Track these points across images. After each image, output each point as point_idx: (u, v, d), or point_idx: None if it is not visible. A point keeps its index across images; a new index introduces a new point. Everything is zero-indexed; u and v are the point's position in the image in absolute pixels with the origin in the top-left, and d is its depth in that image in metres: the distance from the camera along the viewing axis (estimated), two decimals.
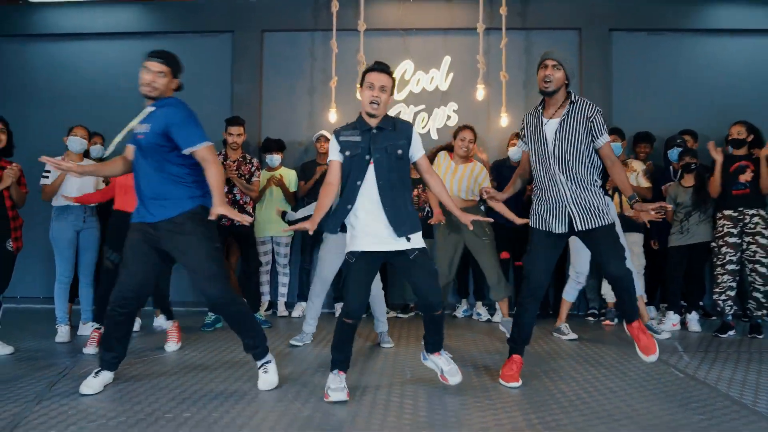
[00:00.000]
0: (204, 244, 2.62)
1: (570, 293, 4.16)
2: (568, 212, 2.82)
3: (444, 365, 2.73)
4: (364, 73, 2.67)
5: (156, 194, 2.61)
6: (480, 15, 5.21)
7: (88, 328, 4.00)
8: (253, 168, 4.53)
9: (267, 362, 2.77)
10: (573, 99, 2.86)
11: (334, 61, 5.29)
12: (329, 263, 3.60)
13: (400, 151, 2.62)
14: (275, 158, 4.86)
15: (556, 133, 2.80)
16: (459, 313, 5.02)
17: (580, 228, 2.81)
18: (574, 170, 2.79)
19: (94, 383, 2.65)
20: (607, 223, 2.81)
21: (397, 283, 5.16)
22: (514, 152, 4.77)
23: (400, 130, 2.67)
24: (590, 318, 4.85)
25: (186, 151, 2.59)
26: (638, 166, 4.78)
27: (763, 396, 2.66)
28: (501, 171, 4.79)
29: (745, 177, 4.15)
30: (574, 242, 3.92)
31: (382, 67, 2.66)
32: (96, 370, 2.72)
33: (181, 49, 2.61)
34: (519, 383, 2.81)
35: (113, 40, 5.74)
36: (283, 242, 4.97)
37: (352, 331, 2.60)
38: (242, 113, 5.04)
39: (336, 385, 2.55)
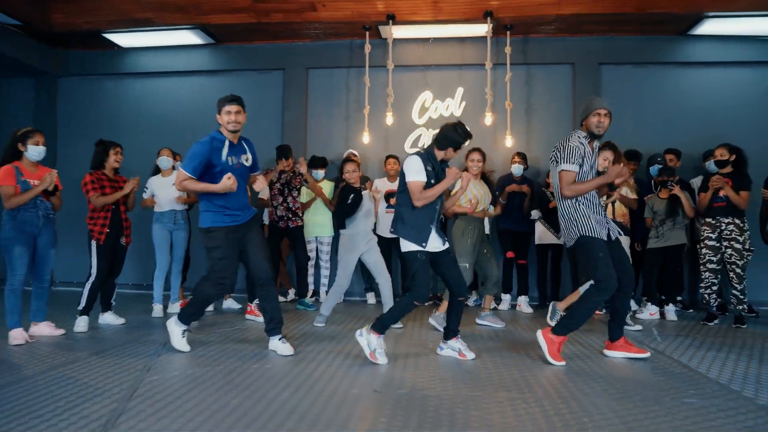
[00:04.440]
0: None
1: None
2: (606, 223, 3.38)
3: (461, 346, 3.47)
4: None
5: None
6: (488, 53, 6.06)
7: (176, 307, 5.06)
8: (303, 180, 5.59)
9: (283, 336, 3.57)
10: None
11: (367, 93, 6.28)
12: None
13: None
14: (320, 173, 5.87)
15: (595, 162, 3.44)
16: (470, 302, 5.94)
17: (612, 238, 3.36)
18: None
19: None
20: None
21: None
22: (517, 169, 5.72)
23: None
24: None
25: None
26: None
27: (717, 367, 3.17)
28: (505, 184, 5.69)
29: (724, 192, 4.72)
30: None
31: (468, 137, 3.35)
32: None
33: (241, 84, 3.47)
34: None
35: (187, 77, 6.85)
36: (325, 242, 5.93)
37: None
38: (291, 136, 6.11)
39: (382, 348, 3.30)
